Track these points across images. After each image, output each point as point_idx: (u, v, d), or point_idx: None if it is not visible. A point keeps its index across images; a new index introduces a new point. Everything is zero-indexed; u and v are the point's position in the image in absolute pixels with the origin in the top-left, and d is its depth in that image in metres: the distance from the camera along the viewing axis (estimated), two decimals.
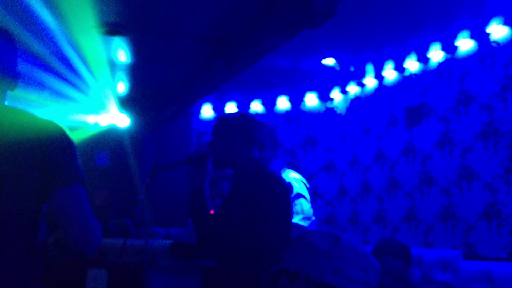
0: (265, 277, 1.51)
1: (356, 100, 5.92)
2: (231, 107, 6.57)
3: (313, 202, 3.27)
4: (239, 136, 2.63)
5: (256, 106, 6.54)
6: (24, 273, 1.70)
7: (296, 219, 3.00)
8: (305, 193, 3.13)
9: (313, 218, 3.13)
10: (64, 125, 1.89)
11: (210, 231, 2.64)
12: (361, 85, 5.82)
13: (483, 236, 4.27)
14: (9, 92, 1.85)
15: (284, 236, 2.52)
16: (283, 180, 2.65)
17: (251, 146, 2.66)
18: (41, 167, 1.70)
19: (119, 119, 6.40)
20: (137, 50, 4.81)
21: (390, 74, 5.39)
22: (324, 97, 6.29)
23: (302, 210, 3.06)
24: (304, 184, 3.18)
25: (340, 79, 5.72)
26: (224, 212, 2.64)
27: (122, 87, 5.93)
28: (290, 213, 2.62)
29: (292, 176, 3.17)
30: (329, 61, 5.08)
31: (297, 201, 3.06)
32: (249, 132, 2.67)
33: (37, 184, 1.70)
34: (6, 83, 1.83)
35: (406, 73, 5.21)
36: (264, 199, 2.49)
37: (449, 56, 4.73)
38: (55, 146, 1.76)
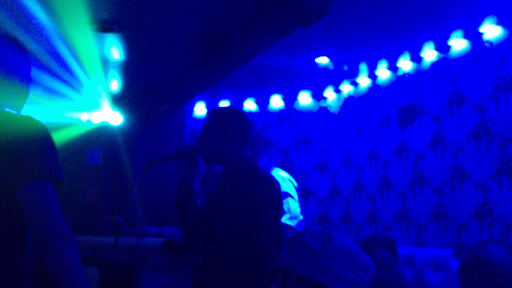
0: (264, 276, 1.51)
1: (349, 99, 5.93)
2: (224, 106, 6.55)
3: (305, 201, 3.27)
4: (233, 132, 2.62)
5: (250, 105, 6.54)
6: (11, 272, 1.67)
7: (283, 219, 3.00)
8: (293, 192, 3.13)
9: (300, 217, 3.12)
10: (51, 121, 1.84)
11: (196, 227, 2.63)
12: (355, 84, 5.82)
13: (475, 236, 4.28)
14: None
15: (275, 236, 2.52)
16: (276, 181, 2.64)
17: (243, 143, 2.65)
18: (5, 163, 1.66)
19: (111, 117, 6.37)
20: (130, 47, 4.79)
21: (383, 73, 5.40)
22: (318, 96, 6.29)
23: (289, 209, 3.06)
24: (292, 183, 3.18)
25: (334, 78, 5.72)
26: (213, 208, 2.63)
27: (115, 85, 5.91)
28: (281, 214, 2.62)
29: (279, 175, 3.17)
30: (323, 60, 5.08)
31: (284, 200, 3.06)
32: (243, 128, 2.66)
33: (2, 180, 1.66)
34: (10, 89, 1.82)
35: (399, 73, 5.22)
36: (258, 201, 2.48)
37: (442, 55, 4.74)
38: (15, 141, 1.69)
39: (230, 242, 2.50)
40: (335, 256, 1.39)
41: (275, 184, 2.59)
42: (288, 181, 3.16)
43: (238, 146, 2.62)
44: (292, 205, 3.08)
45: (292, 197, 3.10)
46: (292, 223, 3.04)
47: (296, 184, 3.21)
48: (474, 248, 2.49)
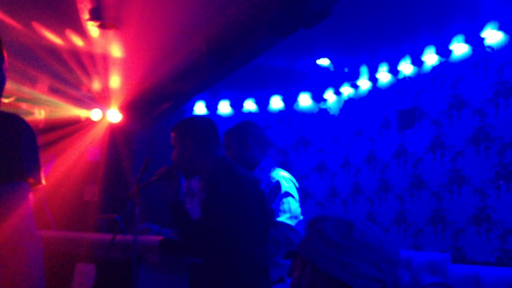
0: (289, 251, 1.46)
1: (349, 102, 5.93)
2: (224, 106, 6.56)
3: (304, 202, 3.26)
4: (195, 141, 2.65)
5: (250, 105, 6.54)
6: None
7: (283, 218, 3.00)
8: (294, 192, 3.12)
9: (301, 217, 3.12)
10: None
11: (196, 240, 2.64)
12: (355, 86, 5.82)
13: (472, 240, 4.28)
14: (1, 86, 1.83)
15: (258, 235, 2.53)
16: (253, 178, 2.66)
17: (213, 146, 2.67)
18: None
19: (111, 114, 6.37)
20: (131, 44, 4.79)
21: (384, 76, 5.40)
22: (318, 97, 6.29)
23: (290, 209, 3.06)
24: (293, 183, 3.18)
25: (334, 80, 5.72)
26: (203, 218, 2.65)
27: (115, 82, 5.90)
28: (263, 211, 2.62)
29: (281, 175, 3.17)
30: (324, 62, 5.08)
31: (285, 200, 3.06)
32: (205, 134, 2.68)
33: None
34: None
35: (400, 76, 5.22)
36: (234, 199, 2.50)
37: (443, 60, 4.74)
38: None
39: (219, 244, 2.51)
40: (354, 251, 1.29)
41: (251, 180, 2.60)
42: (290, 181, 3.16)
43: (207, 151, 2.65)
44: (293, 205, 3.08)
45: (293, 196, 3.10)
46: (292, 222, 3.03)
47: (297, 185, 3.21)
48: None
